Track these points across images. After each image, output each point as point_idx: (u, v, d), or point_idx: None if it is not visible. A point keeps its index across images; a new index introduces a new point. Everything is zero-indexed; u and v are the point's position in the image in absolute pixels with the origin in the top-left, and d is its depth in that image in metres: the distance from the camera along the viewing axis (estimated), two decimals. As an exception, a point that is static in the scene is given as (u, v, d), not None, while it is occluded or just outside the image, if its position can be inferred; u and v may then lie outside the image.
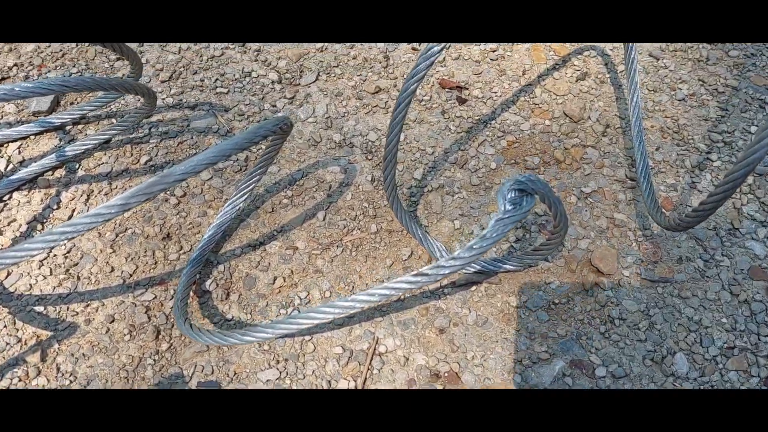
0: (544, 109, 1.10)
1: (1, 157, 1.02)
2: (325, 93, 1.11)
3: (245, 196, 0.91)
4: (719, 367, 0.82)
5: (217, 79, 1.13)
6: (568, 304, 0.88)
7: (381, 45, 1.19)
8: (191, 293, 0.87)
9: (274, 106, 1.09)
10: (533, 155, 1.03)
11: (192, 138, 1.04)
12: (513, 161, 1.03)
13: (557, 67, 1.16)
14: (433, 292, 0.89)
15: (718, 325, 0.86)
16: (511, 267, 0.88)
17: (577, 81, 1.13)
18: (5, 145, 1.04)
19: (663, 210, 0.90)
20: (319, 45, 1.18)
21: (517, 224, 0.95)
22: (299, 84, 1.13)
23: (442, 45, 0.73)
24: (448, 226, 0.95)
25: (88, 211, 0.94)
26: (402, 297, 0.88)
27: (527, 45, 1.19)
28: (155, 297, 0.86)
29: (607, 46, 1.20)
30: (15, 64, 1.16)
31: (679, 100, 1.12)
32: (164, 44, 1.19)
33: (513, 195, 0.66)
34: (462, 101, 1.10)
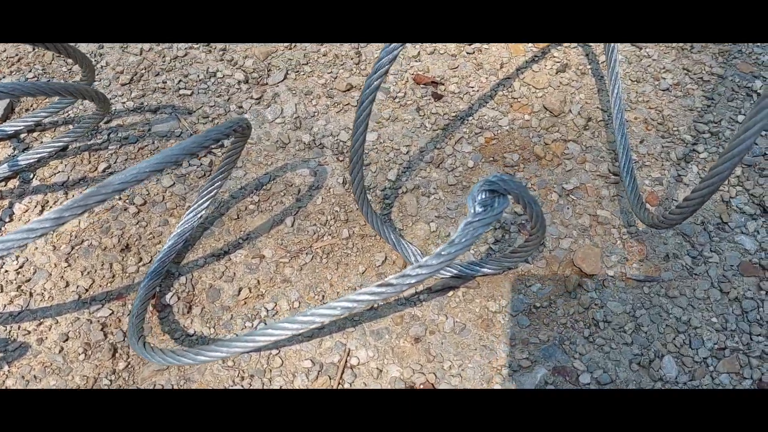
0: (523, 103, 1.05)
1: (-47, 168, 0.97)
2: (293, 92, 1.06)
3: (207, 203, 0.86)
4: (710, 369, 0.78)
5: (180, 81, 1.07)
6: (550, 307, 0.83)
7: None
8: (150, 308, 0.82)
9: (241, 107, 1.04)
10: (512, 152, 0.99)
11: (153, 143, 0.99)
12: (491, 159, 0.98)
13: (536, 59, 1.11)
14: (407, 299, 0.84)
15: (708, 325, 0.82)
16: (490, 270, 0.83)
17: (557, 73, 1.09)
18: (-43, 156, 0.99)
19: (648, 206, 0.85)
20: (286, 42, 1.13)
21: (494, 225, 0.90)
22: (267, 83, 1.08)
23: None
24: (424, 228, 0.91)
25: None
26: (374, 305, 0.83)
27: (504, 37, 1.14)
28: (112, 313, 0.81)
29: (588, 36, 1.15)
30: (-31, 70, 1.11)
31: (663, 90, 1.07)
32: (125, 45, 1.13)
33: (483, 196, 0.61)
34: (438, 97, 1.06)
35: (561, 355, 0.79)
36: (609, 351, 0.80)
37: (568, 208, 0.93)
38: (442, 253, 0.59)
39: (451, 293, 0.84)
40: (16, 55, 1.14)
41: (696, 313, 0.83)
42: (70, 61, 1.11)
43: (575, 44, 1.14)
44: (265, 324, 0.81)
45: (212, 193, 0.85)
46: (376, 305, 0.83)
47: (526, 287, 0.85)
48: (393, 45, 0.70)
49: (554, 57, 1.11)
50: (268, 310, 0.83)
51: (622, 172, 0.89)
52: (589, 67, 1.10)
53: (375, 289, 0.59)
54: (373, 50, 1.14)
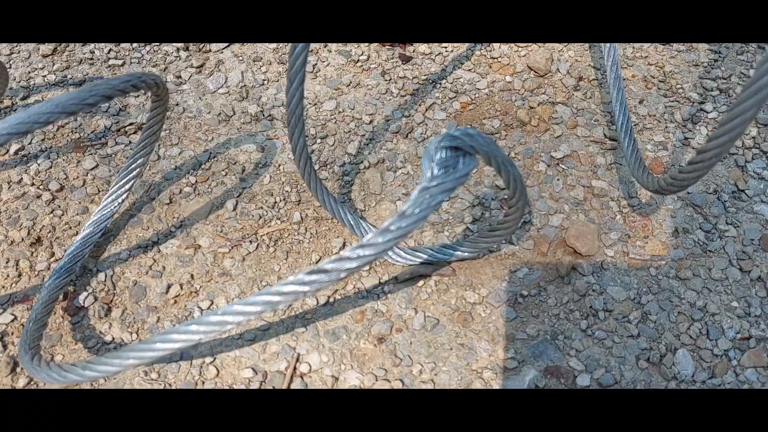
0: (504, 63, 0.91)
1: None
2: (240, 58, 0.93)
3: (129, 185, 0.72)
4: (733, 364, 0.65)
5: (110, 50, 0.93)
6: (540, 295, 0.70)
7: None
8: (61, 311, 0.68)
9: (179, 77, 0.90)
10: (492, 117, 0.85)
11: (75, 120, 0.85)
12: (468, 126, 0.84)
13: (518, 13, 0.97)
14: (369, 291, 0.71)
15: (728, 310, 0.69)
16: (466, 253, 0.70)
17: (541, 28, 0.95)
18: None
19: (648, 169, 0.72)
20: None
21: (470, 200, 0.77)
22: (210, 49, 0.94)
23: None
24: (390, 208, 0.77)
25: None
26: (329, 299, 0.70)
27: (481, -9, 1.01)
28: (14, 319, 0.68)
29: (576, -12, 1.02)
30: None
31: (664, 45, 0.94)
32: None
33: (443, 155, 0.48)
34: (406, 59, 0.92)
35: (554, 352, 0.66)
36: (611, 346, 0.66)
37: (558, 180, 0.79)
38: (391, 228, 0.46)
39: (421, 283, 0.71)
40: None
41: (713, 296, 0.70)
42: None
43: (562, -3, 1.00)
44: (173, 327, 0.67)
45: (133, 173, 0.72)
46: (330, 298, 0.70)
47: (510, 273, 0.72)
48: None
49: (538, 11, 0.98)
50: (202, 310, 0.69)
51: (620, 134, 0.76)
52: (578, 21, 0.97)
53: (305, 278, 0.45)
54: (332, 11, 1.00)
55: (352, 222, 0.73)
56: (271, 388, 0.63)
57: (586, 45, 0.93)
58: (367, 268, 0.72)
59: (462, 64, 0.92)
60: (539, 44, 0.93)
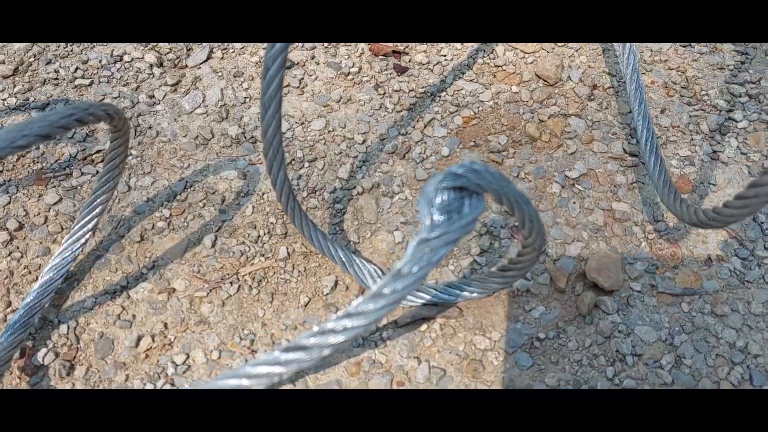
0: (510, 71, 0.83)
1: None
2: (219, 74, 0.84)
3: (91, 224, 0.64)
4: (783, 416, 0.57)
5: (77, 69, 0.85)
6: (559, 338, 0.62)
7: (294, 8, 0.92)
8: (17, 371, 0.60)
9: (152, 96, 0.82)
10: (498, 133, 0.77)
11: (37, 148, 0.77)
12: (472, 143, 0.76)
13: (523, 16, 0.89)
14: (366, 338, 0.63)
15: (774, 352, 0.60)
16: (474, 294, 0.62)
17: (549, 32, 0.87)
18: None
19: (680, 194, 0.64)
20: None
21: (467, 237, 0.69)
22: (186, 65, 0.86)
23: None
24: (387, 239, 0.69)
25: None
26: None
27: (482, -8, 0.92)
28: (-36, 382, 0.60)
29: (586, -14, 0.93)
30: None
31: (685, 46, 0.85)
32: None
33: (446, 198, 0.40)
34: (401, 70, 0.84)
35: (577, 406, 0.58)
36: (642, 397, 0.58)
37: (574, 203, 0.71)
38: (384, 291, 0.38)
39: (424, 327, 0.63)
40: None
41: (754, 335, 0.62)
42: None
43: (571, -4, 0.92)
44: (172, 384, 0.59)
45: (96, 211, 0.64)
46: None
47: (525, 312, 0.64)
48: None
49: (545, 13, 0.89)
50: (177, 365, 0.61)
51: (645, 152, 0.67)
52: (589, 22, 0.88)
53: (281, 356, 0.37)
54: (320, 18, 0.91)
55: (344, 259, 0.64)
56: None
57: (600, 49, 0.85)
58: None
59: (463, 73, 0.83)
60: (547, 50, 0.84)
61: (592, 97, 0.80)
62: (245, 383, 0.37)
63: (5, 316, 0.64)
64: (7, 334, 0.59)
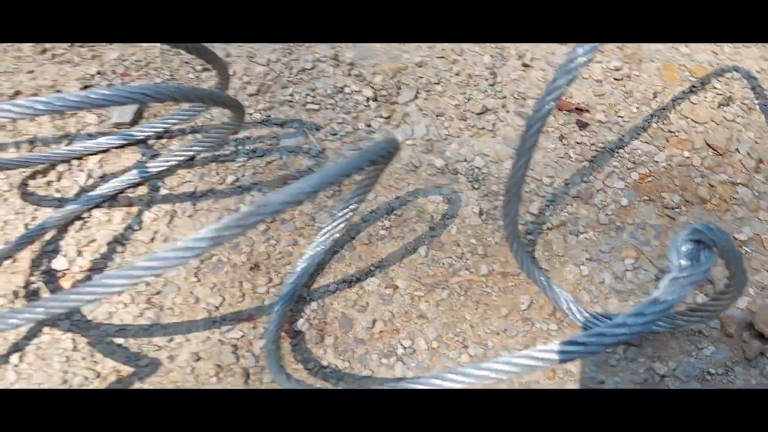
0: (682, 138, 0.95)
1: (81, 171, 0.96)
2: (425, 113, 1.01)
3: (341, 225, 0.81)
4: None
5: (307, 95, 1.04)
6: (728, 375, 0.72)
7: (487, 60, 1.07)
8: (282, 333, 0.77)
9: (369, 125, 0.99)
10: (672, 192, 0.89)
11: (281, 158, 0.96)
12: (647, 198, 0.88)
13: (694, 89, 1.00)
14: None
15: None
16: (659, 328, 0.73)
17: (719, 107, 0.97)
18: (85, 158, 0.98)
19: None
20: (417, 59, 1.08)
21: (641, 265, 0.80)
22: (396, 102, 1.02)
23: (591, 49, 0.60)
24: (574, 272, 0.82)
25: (171, 233, 0.86)
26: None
27: (657, 64, 1.04)
28: (243, 335, 0.77)
29: (753, 67, 1.03)
30: (98, 72, 1.11)
31: None
32: (252, 54, 1.12)
33: (689, 248, 0.52)
34: (583, 125, 0.97)
35: (745, 435, 0.68)
36: (806, 437, 0.67)
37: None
38: (645, 312, 0.50)
39: (609, 348, 0.75)
40: (145, 59, 1.15)
41: None
42: (198, 67, 1.11)
43: (738, 75, 1.02)
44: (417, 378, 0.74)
45: (347, 216, 0.80)
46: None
47: (697, 349, 0.74)
48: (575, 62, 0.62)
49: (715, 88, 1.00)
50: (405, 348, 0.76)
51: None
52: (756, 102, 0.99)
53: (562, 347, 0.51)
54: (508, 71, 1.06)
55: (544, 282, 0.77)
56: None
57: (766, 127, 0.95)
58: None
59: (639, 135, 0.95)
60: (717, 121, 0.95)
61: (759, 170, 0.90)
62: (530, 363, 0.51)
63: (268, 289, 0.81)
64: (281, 304, 0.76)
